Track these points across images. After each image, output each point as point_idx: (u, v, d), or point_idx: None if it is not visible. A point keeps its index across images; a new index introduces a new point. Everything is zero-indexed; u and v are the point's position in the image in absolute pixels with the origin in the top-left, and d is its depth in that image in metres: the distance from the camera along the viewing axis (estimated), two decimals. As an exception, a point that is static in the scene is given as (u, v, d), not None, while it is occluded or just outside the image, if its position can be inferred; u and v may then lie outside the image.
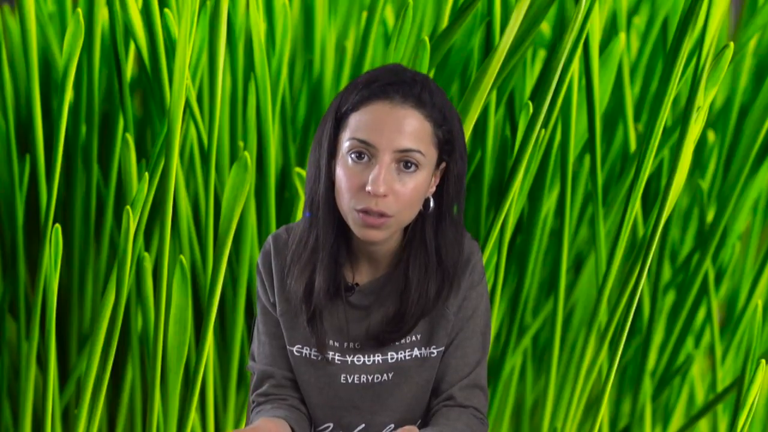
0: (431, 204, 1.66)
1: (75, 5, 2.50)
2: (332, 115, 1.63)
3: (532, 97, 2.20)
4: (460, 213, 1.68)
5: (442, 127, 1.62)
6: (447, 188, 1.66)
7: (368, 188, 1.58)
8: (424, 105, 1.61)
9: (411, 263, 1.66)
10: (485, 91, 1.96)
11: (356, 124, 1.60)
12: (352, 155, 1.60)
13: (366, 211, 1.60)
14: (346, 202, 1.61)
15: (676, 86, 2.00)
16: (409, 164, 1.60)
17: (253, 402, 1.74)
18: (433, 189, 1.66)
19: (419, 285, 1.66)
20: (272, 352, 1.73)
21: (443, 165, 1.65)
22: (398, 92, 1.60)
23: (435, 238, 1.67)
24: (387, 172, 1.59)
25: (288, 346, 1.71)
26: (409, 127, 1.59)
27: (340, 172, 1.62)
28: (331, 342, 1.69)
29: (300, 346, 1.70)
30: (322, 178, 1.64)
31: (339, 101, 1.63)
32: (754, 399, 1.91)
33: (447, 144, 1.64)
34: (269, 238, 1.73)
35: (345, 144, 1.61)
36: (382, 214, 1.59)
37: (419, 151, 1.60)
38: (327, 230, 1.65)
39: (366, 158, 1.60)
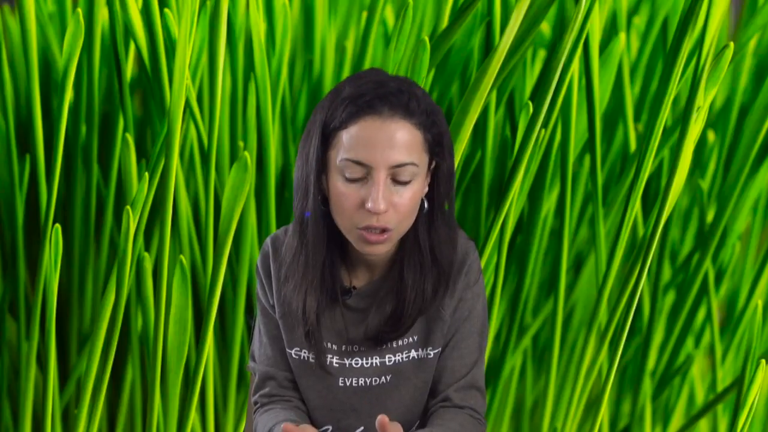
0: (425, 205, 1.65)
1: (75, 5, 2.50)
2: (318, 131, 1.61)
3: (532, 97, 2.20)
4: (451, 210, 1.68)
5: (431, 131, 1.61)
6: (438, 186, 1.65)
7: (368, 206, 1.57)
8: (413, 114, 1.59)
9: (406, 263, 1.66)
10: (485, 91, 1.96)
11: (348, 143, 1.58)
12: (347, 175, 1.59)
13: (368, 228, 1.59)
14: (346, 221, 1.61)
15: (676, 86, 2.00)
16: (403, 179, 1.59)
17: (257, 403, 1.74)
18: (426, 189, 1.66)
19: (415, 284, 1.66)
20: (274, 354, 1.73)
21: (433, 165, 1.65)
22: (386, 105, 1.58)
23: (428, 237, 1.66)
24: (384, 188, 1.58)
25: (287, 349, 1.71)
26: (401, 141, 1.58)
27: (334, 191, 1.60)
28: (329, 345, 1.69)
29: (298, 349, 1.70)
30: (310, 196, 1.62)
31: (324, 116, 1.60)
32: (754, 399, 1.91)
33: (437, 145, 1.63)
34: (268, 240, 1.72)
35: (338, 162, 1.59)
36: (384, 230, 1.59)
37: (413, 163, 1.59)
38: (317, 249, 1.64)
39: (360, 177, 1.59)
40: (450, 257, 1.68)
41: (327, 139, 1.61)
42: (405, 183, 1.59)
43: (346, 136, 1.59)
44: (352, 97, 1.59)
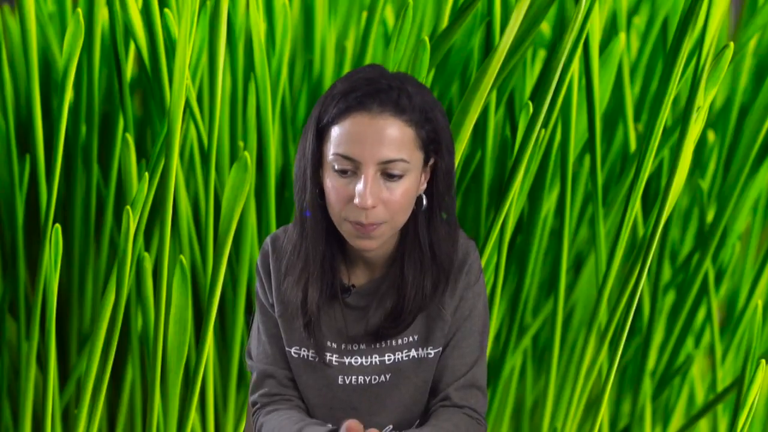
0: (424, 202, 1.65)
1: (75, 5, 2.50)
2: (313, 126, 1.62)
3: (532, 97, 2.20)
4: (452, 207, 1.68)
5: (425, 128, 1.61)
6: (436, 184, 1.65)
7: (356, 201, 1.58)
8: (404, 111, 1.60)
9: (406, 261, 1.66)
10: (485, 91, 1.96)
11: (337, 139, 1.59)
12: (337, 170, 1.60)
13: (357, 223, 1.60)
14: (336, 214, 1.61)
15: (676, 86, 2.00)
16: (394, 173, 1.59)
17: (257, 403, 1.74)
18: (424, 186, 1.66)
19: (415, 281, 1.66)
20: (273, 352, 1.73)
21: (432, 161, 1.65)
22: (375, 101, 1.59)
23: (428, 235, 1.66)
24: (373, 184, 1.58)
25: (286, 348, 1.71)
26: (391, 137, 1.58)
27: (328, 184, 1.61)
28: (329, 344, 1.69)
29: (298, 347, 1.70)
30: (307, 189, 1.63)
31: (318, 112, 1.62)
32: (754, 399, 1.91)
33: (432, 142, 1.63)
34: (267, 240, 1.73)
35: (329, 157, 1.60)
36: (374, 224, 1.60)
37: (403, 160, 1.59)
38: (316, 242, 1.65)
39: (350, 172, 1.59)
40: (450, 254, 1.68)
41: (321, 134, 1.62)
42: (396, 179, 1.59)
43: (337, 132, 1.60)
44: (344, 93, 1.60)
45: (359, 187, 1.58)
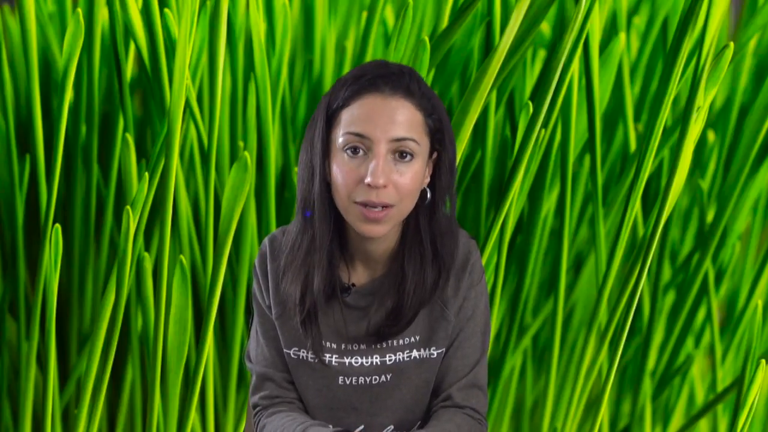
0: (428, 195, 1.66)
1: (75, 5, 2.50)
2: (323, 113, 1.63)
3: (532, 97, 2.20)
4: (453, 204, 1.69)
5: (432, 116, 1.64)
6: (440, 177, 1.66)
7: (368, 180, 1.59)
8: (413, 95, 1.62)
9: (406, 255, 1.67)
10: (485, 91, 1.96)
11: (349, 119, 1.61)
12: (348, 150, 1.61)
13: (366, 204, 1.60)
14: (344, 197, 1.61)
15: (676, 86, 2.00)
16: (404, 153, 1.60)
17: (257, 405, 1.74)
18: (428, 180, 1.66)
19: (415, 276, 1.66)
20: (271, 355, 1.73)
21: (435, 155, 1.66)
22: (387, 84, 1.61)
23: (429, 229, 1.67)
24: (385, 163, 1.59)
25: (284, 349, 1.71)
26: (402, 117, 1.60)
27: (336, 169, 1.62)
28: (328, 344, 1.69)
29: (297, 348, 1.70)
30: (316, 178, 1.64)
31: (328, 100, 1.64)
32: (754, 399, 1.91)
33: (438, 132, 1.65)
34: (265, 240, 1.73)
35: (339, 140, 1.61)
36: (384, 206, 1.60)
37: (413, 140, 1.61)
38: (323, 229, 1.65)
39: (362, 152, 1.60)
40: (451, 249, 1.68)
41: (330, 120, 1.63)
42: (406, 160, 1.60)
43: (348, 114, 1.61)
44: (354, 78, 1.63)
45: (372, 165, 1.59)
